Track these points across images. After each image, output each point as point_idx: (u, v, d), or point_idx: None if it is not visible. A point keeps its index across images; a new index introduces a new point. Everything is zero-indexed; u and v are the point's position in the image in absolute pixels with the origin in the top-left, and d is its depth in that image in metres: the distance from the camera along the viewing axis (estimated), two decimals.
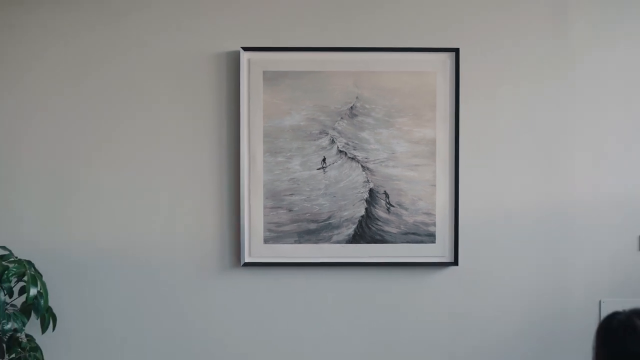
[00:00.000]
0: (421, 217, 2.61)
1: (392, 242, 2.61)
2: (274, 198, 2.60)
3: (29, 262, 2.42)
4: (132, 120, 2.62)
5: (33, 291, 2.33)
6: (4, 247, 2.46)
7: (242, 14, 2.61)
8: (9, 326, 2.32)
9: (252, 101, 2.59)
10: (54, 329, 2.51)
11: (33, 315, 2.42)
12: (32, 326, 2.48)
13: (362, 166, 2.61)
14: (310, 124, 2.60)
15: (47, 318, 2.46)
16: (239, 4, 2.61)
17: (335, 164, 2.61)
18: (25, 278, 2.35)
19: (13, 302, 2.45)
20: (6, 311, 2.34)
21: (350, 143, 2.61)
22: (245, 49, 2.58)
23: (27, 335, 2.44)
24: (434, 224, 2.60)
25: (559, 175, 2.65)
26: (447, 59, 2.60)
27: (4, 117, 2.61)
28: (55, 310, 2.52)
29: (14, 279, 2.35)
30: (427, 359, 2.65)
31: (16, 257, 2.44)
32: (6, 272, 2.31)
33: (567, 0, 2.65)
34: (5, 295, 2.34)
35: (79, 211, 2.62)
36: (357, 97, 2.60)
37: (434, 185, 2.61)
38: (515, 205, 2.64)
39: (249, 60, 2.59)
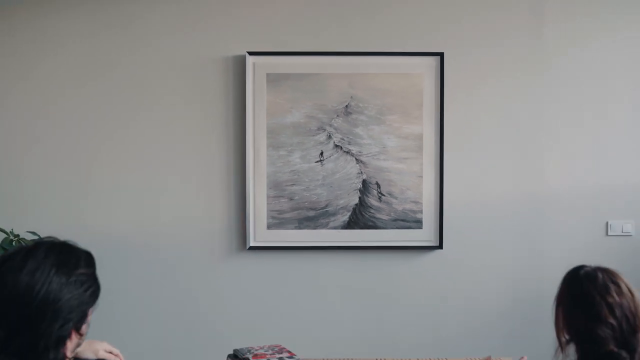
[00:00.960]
0: (409, 205, 2.78)
1: (383, 228, 2.78)
2: (277, 188, 2.78)
3: None
4: (147, 119, 2.78)
5: None
6: (33, 232, 2.68)
7: (248, 22, 2.78)
8: None
9: (257, 101, 2.75)
10: None
11: None
12: None
13: (356, 159, 2.78)
14: (309, 121, 2.77)
15: None
16: (245, 12, 2.78)
17: (331, 157, 2.77)
18: None
19: None
20: None
21: (345, 138, 2.77)
22: (251, 53, 2.74)
23: None
24: (421, 212, 2.78)
25: (534, 168, 2.81)
26: (432, 62, 2.77)
27: (30, 116, 2.78)
28: None
29: None
30: (414, 332, 2.81)
31: None
32: None
33: (542, 6, 2.79)
34: None
35: (97, 201, 2.79)
36: (351, 97, 2.76)
37: (421, 177, 2.78)
38: (495, 195, 2.80)
39: (254, 64, 2.75)
